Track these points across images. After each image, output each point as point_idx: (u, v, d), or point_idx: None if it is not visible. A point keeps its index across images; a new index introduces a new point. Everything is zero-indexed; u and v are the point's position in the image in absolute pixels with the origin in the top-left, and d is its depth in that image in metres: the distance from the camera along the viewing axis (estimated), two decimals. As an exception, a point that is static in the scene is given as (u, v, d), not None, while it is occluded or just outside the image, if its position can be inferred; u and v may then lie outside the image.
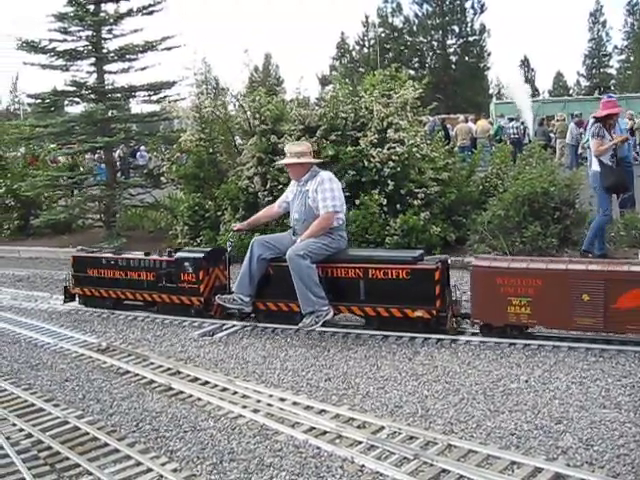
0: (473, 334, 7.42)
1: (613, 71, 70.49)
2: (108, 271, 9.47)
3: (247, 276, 8.07)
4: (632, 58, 66.63)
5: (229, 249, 9.03)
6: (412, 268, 7.51)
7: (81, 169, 18.15)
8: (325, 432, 5.25)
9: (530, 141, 23.28)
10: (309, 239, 7.76)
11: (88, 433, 5.48)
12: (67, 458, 5.05)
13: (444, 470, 4.55)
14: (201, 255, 8.82)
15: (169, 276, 8.89)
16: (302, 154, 8.02)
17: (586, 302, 6.70)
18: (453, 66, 61.54)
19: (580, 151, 24.46)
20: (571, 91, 70.36)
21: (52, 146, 19.73)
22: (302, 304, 7.71)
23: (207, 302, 8.68)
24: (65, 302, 9.97)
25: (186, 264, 8.76)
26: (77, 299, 9.91)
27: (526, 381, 6.08)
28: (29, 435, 5.49)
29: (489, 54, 62.32)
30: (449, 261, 7.86)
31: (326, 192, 7.77)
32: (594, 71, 70.29)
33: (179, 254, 9.02)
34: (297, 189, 8.15)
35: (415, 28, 61.95)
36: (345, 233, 8.16)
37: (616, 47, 69.48)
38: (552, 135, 26.83)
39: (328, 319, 7.74)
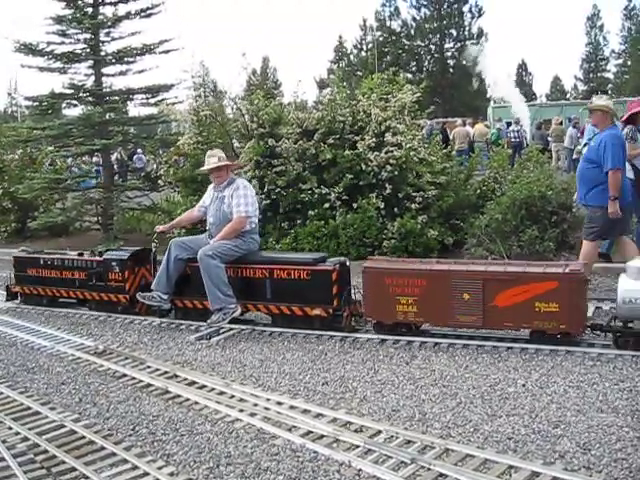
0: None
1: (610, 75, 70.65)
2: (45, 270, 10.06)
3: (165, 275, 8.62)
4: (629, 62, 66.72)
5: (154, 249, 9.43)
6: (312, 269, 8.03)
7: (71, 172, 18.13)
8: (322, 436, 5.24)
9: (528, 145, 23.30)
10: (221, 241, 8.33)
11: (84, 437, 5.46)
12: (63, 462, 5.03)
13: (441, 474, 4.54)
14: (126, 255, 9.36)
15: (98, 275, 9.44)
16: (222, 159, 8.67)
17: (467, 301, 7.13)
18: (451, 70, 61.58)
19: (575, 156, 24.50)
20: (568, 95, 70.45)
21: (50, 149, 19.70)
22: (211, 301, 8.24)
23: (132, 300, 9.17)
24: (7, 300, 10.56)
25: (113, 264, 9.33)
26: (18, 297, 10.54)
27: (523, 385, 6.07)
28: (25, 439, 5.47)
29: (486, 58, 62.39)
30: (347, 263, 8.25)
31: (240, 198, 8.37)
32: (591, 75, 70.41)
33: (107, 254, 9.58)
34: (214, 195, 8.75)
35: (413, 32, 62.02)
36: (257, 236, 8.74)
37: (613, 51, 69.71)
38: (549, 139, 26.85)
39: (236, 316, 8.31)
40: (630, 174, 9.15)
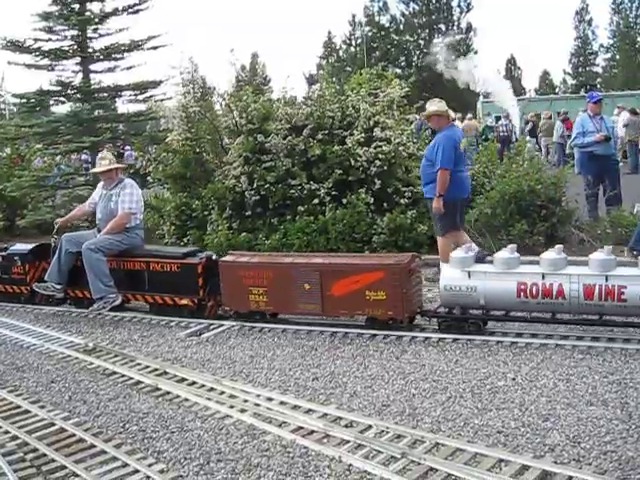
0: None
1: (599, 69, 70.67)
2: None
3: (56, 267, 9.32)
4: (618, 56, 66.76)
5: (53, 244, 9.81)
6: (181, 262, 8.79)
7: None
8: (312, 431, 5.24)
9: (517, 139, 23.33)
10: (105, 235, 9.09)
11: (74, 435, 5.45)
12: (53, 460, 5.03)
13: (432, 469, 4.55)
14: (27, 250, 10.11)
15: (3, 268, 10.18)
16: (112, 162, 9.59)
17: (307, 290, 7.81)
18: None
19: (568, 151, 24.56)
20: (557, 89, 70.52)
21: (38, 146, 19.61)
22: (93, 291, 8.94)
23: (33, 291, 9.79)
24: None
25: (15, 258, 10.05)
26: None
27: (513, 379, 6.08)
28: (15, 437, 5.45)
29: (476, 52, 62.41)
30: (214, 257, 8.84)
31: (126, 196, 9.18)
32: (580, 69, 70.44)
33: (10, 249, 10.34)
34: (103, 193, 9.52)
35: (402, 27, 61.86)
36: (142, 232, 9.56)
37: (602, 45, 69.70)
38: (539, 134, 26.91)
39: (116, 304, 9.01)
40: None
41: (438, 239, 9.12)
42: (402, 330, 7.59)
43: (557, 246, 7.26)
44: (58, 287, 9.37)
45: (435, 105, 9.14)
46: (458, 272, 7.36)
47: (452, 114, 9.31)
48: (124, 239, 9.15)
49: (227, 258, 8.67)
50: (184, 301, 8.75)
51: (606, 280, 6.72)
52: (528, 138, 23.47)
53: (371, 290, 7.47)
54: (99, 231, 9.32)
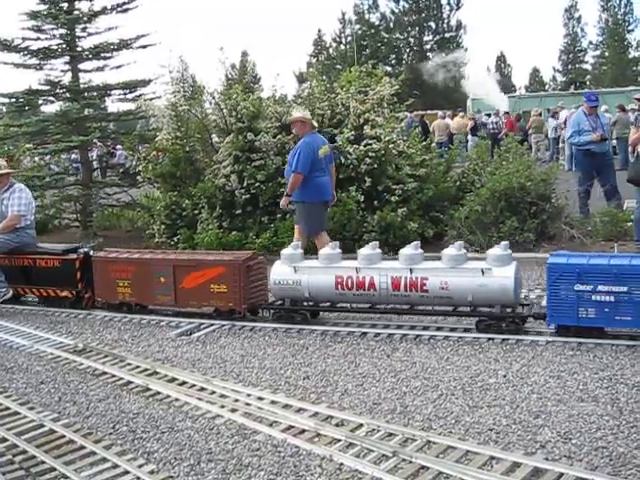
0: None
1: (588, 66, 70.79)
2: None
3: None
4: (607, 53, 66.95)
5: None
6: (61, 258, 9.60)
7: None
8: (304, 431, 5.23)
9: (507, 136, 23.36)
10: None
11: (64, 436, 5.42)
12: (42, 462, 4.99)
13: (423, 467, 4.54)
14: None
15: None
16: (3, 167, 10.13)
17: (163, 283, 8.64)
18: (430, 62, 61.61)
19: (560, 145, 24.68)
20: (547, 86, 70.66)
21: (27, 146, 19.50)
22: None
23: None
24: None
25: None
26: None
27: (504, 376, 6.09)
28: (3, 439, 5.41)
29: (466, 50, 62.52)
30: (91, 253, 9.61)
31: (15, 199, 9.83)
32: (570, 66, 70.61)
33: None
34: None
35: (392, 25, 61.93)
36: (33, 231, 10.18)
37: (591, 43, 69.86)
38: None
39: (6, 298, 9.80)
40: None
41: (316, 241, 9.51)
42: (392, 328, 7.61)
43: (372, 243, 8.09)
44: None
45: (299, 112, 9.83)
46: (286, 267, 8.06)
47: (314, 123, 9.91)
48: (14, 238, 9.84)
49: (99, 254, 9.58)
50: (64, 293, 9.60)
51: (410, 273, 7.42)
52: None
53: (215, 283, 8.31)
54: None
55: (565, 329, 6.95)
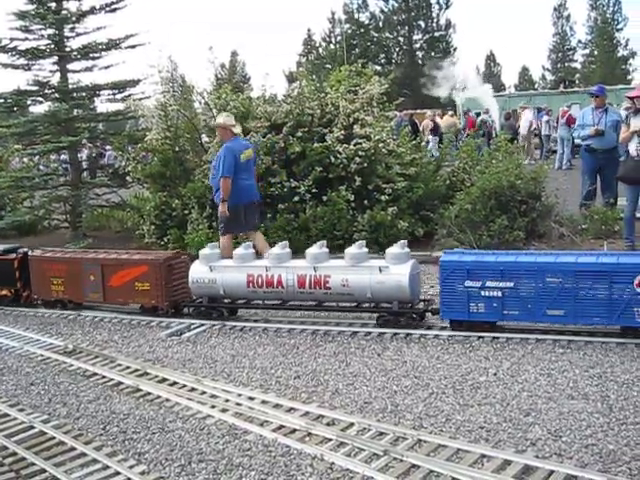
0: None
1: (577, 65, 71.07)
2: None
3: None
4: (596, 52, 67.21)
5: None
6: (1, 258, 9.91)
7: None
8: (294, 430, 5.23)
9: (497, 135, 23.42)
10: None
11: (54, 437, 5.41)
12: (33, 464, 4.98)
13: (414, 465, 4.55)
14: None
15: None
16: None
17: (93, 281, 9.12)
18: (419, 61, 61.67)
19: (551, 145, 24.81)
20: (537, 85, 70.83)
21: (16, 147, 19.41)
22: None
23: None
24: None
25: None
26: None
27: (495, 374, 6.10)
28: (-7, 441, 5.40)
29: (455, 49, 62.64)
30: (29, 253, 9.96)
31: None
32: (559, 65, 70.83)
33: None
34: None
35: (381, 24, 61.97)
36: None
37: (580, 41, 70.11)
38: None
39: None
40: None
41: (220, 238, 9.86)
42: (385, 327, 7.60)
43: (281, 242, 8.52)
44: None
45: (222, 118, 10.12)
46: (203, 267, 8.47)
47: (237, 129, 10.24)
48: None
49: (35, 253, 9.98)
50: (4, 292, 10.02)
51: (315, 271, 7.82)
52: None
53: (139, 281, 8.79)
54: None
55: (458, 323, 7.33)
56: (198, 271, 8.49)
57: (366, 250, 7.96)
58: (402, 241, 7.94)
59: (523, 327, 7.23)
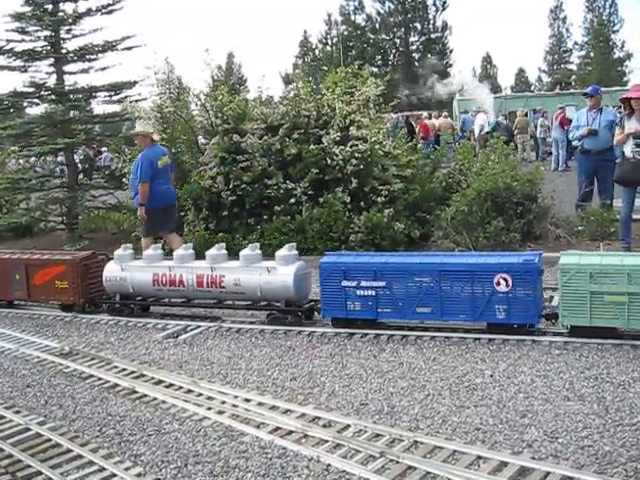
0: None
1: (574, 67, 71.12)
2: None
3: None
4: (592, 54, 67.33)
5: None
6: None
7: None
8: (291, 432, 5.23)
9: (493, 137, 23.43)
10: None
11: (50, 439, 5.40)
12: (29, 466, 4.97)
13: (410, 467, 4.54)
14: None
15: None
16: None
17: (18, 280, 9.66)
18: (416, 63, 61.76)
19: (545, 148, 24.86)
20: (533, 87, 70.92)
21: (12, 148, 19.39)
22: None
23: None
24: None
25: None
26: None
27: (491, 376, 6.10)
28: (-11, 443, 5.39)
29: (451, 51, 62.77)
30: None
31: None
32: (555, 67, 70.93)
33: None
34: None
35: (377, 26, 62.05)
36: None
37: (576, 43, 70.22)
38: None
39: None
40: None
41: (142, 239, 10.55)
42: (381, 328, 7.60)
43: (185, 245, 9.15)
44: None
45: (140, 127, 10.91)
46: (115, 266, 9.09)
47: (155, 136, 10.96)
48: None
49: None
50: None
51: (212, 271, 8.38)
52: None
53: (58, 280, 9.35)
54: None
55: (338, 321, 7.79)
56: (111, 270, 9.10)
57: (259, 252, 8.48)
58: (291, 244, 8.47)
59: (401, 324, 7.60)
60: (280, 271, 8.04)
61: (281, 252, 8.26)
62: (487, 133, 24.91)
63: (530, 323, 7.02)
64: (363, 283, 7.53)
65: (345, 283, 7.60)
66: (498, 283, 6.97)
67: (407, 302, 7.37)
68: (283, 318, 8.09)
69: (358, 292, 7.56)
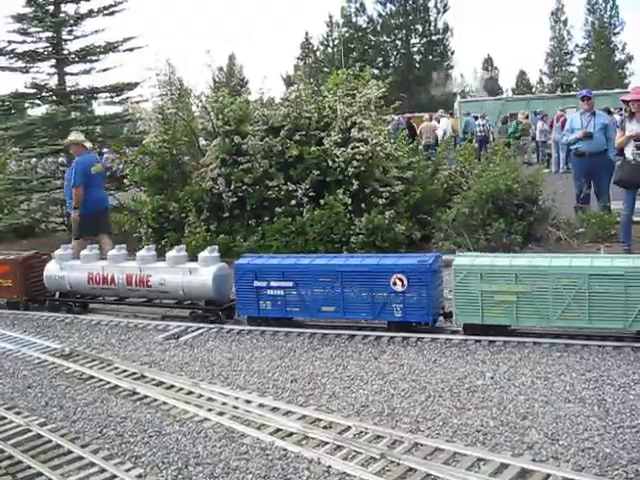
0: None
1: (575, 69, 71.18)
2: None
3: None
4: (593, 56, 67.37)
5: None
6: None
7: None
8: (291, 433, 5.23)
9: (494, 139, 23.46)
10: None
11: (51, 441, 5.41)
12: (29, 467, 4.98)
13: (411, 469, 4.55)
14: None
15: None
16: None
17: None
18: (417, 65, 61.80)
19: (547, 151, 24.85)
20: (534, 89, 70.90)
21: (14, 149, 19.39)
22: None
23: None
24: None
25: None
26: None
27: (492, 377, 6.10)
28: (-10, 444, 5.39)
29: (452, 53, 62.80)
30: None
31: None
32: (556, 69, 70.91)
33: None
34: None
35: (379, 28, 62.05)
36: None
37: (577, 45, 70.18)
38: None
39: None
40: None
41: (73, 241, 10.96)
42: (380, 330, 7.60)
43: (118, 245, 9.62)
44: None
45: (73, 135, 11.46)
46: (55, 265, 9.67)
47: (88, 144, 11.51)
48: None
49: None
50: None
51: (140, 271, 8.89)
52: None
53: (3, 278, 10.02)
54: None
55: (253, 319, 8.22)
56: (51, 269, 9.72)
57: (184, 254, 8.93)
58: (213, 246, 8.90)
59: (311, 323, 8.05)
60: (200, 272, 8.49)
61: (203, 254, 8.69)
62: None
63: (425, 322, 7.35)
64: (272, 283, 7.97)
65: (257, 283, 8.03)
66: (394, 283, 7.37)
67: (313, 301, 7.82)
68: (204, 316, 8.59)
69: (269, 292, 8.00)
